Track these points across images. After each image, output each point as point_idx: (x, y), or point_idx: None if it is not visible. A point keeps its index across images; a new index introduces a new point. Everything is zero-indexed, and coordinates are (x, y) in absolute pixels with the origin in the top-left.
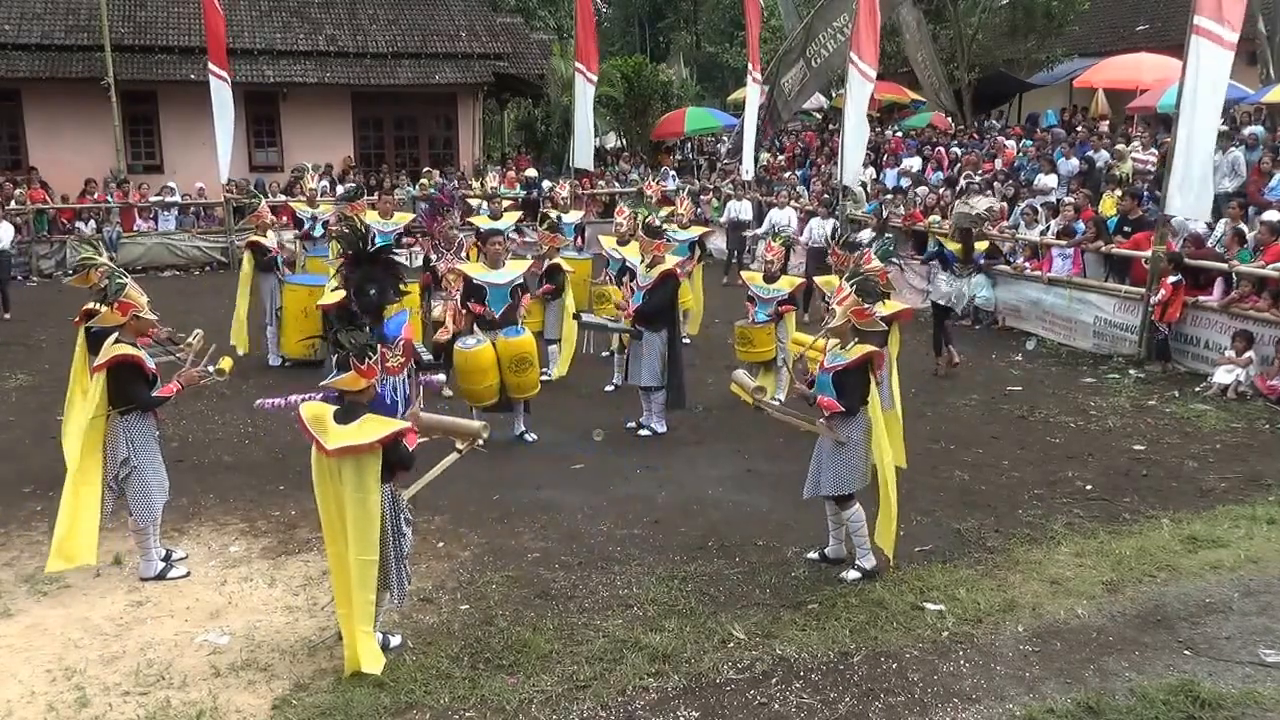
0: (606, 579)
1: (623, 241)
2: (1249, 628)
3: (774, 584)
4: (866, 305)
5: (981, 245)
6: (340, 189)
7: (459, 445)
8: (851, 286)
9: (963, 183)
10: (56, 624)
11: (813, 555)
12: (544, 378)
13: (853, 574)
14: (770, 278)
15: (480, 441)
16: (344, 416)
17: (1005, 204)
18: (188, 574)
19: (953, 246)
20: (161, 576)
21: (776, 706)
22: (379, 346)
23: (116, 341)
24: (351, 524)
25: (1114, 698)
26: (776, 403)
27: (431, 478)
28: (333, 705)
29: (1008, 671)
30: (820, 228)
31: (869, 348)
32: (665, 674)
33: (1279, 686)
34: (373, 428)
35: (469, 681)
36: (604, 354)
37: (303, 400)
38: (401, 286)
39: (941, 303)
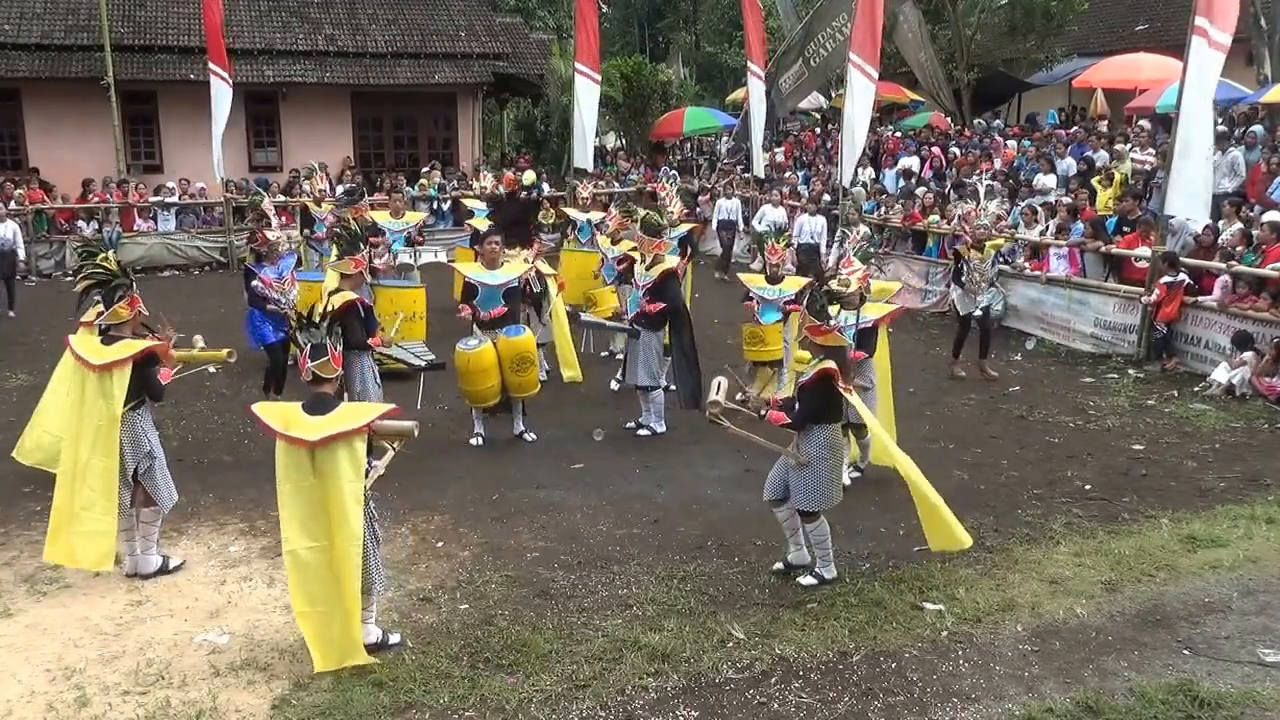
0: (606, 579)
1: (615, 241)
2: (1248, 627)
3: (773, 584)
4: (820, 323)
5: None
6: (340, 189)
7: (394, 444)
8: (804, 303)
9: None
10: (56, 624)
11: (778, 566)
12: (544, 378)
13: (809, 580)
14: (774, 279)
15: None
16: (316, 408)
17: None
18: (183, 563)
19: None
20: (163, 570)
21: (776, 706)
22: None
23: (120, 339)
24: (337, 511)
25: (1113, 697)
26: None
27: (375, 476)
28: (332, 705)
29: (1007, 671)
30: (810, 225)
31: (828, 365)
32: (665, 673)
33: (1278, 686)
34: (355, 414)
35: (468, 681)
36: (604, 354)
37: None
38: None
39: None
